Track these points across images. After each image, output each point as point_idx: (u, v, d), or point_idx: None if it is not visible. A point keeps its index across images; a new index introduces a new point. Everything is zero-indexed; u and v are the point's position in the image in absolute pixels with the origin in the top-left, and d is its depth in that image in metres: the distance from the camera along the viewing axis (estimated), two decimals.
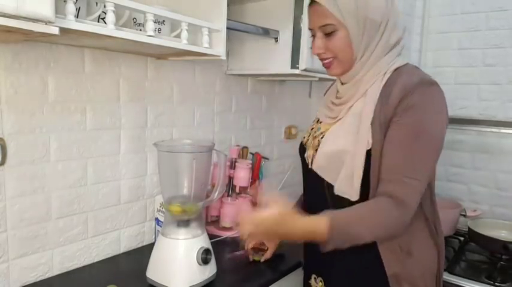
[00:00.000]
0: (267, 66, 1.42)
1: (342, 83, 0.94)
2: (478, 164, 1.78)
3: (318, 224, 0.81)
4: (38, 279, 1.06)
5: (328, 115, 0.95)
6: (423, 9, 1.86)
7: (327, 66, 0.92)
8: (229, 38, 1.14)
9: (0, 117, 0.94)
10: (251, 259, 1.19)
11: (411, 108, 0.80)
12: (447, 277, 1.30)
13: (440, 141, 0.83)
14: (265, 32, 1.34)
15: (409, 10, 1.84)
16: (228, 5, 1.10)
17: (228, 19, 1.11)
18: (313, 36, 0.90)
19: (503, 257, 1.37)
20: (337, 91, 0.96)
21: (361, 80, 0.88)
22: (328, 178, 0.89)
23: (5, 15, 0.60)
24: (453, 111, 1.83)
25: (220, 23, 1.09)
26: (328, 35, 0.86)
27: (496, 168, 1.73)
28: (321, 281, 0.96)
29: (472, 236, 1.48)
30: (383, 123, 0.82)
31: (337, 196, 0.86)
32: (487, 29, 1.72)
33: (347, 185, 0.85)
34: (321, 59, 0.92)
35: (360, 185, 0.83)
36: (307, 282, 1.01)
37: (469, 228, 1.50)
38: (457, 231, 1.62)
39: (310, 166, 0.95)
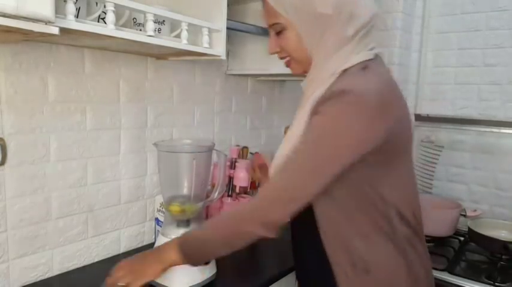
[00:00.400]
0: (267, 66, 1.42)
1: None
2: (478, 164, 1.78)
3: (167, 243, 0.84)
4: (38, 279, 1.06)
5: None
6: (423, 9, 1.86)
7: (286, 65, 0.88)
8: (229, 38, 1.14)
9: (0, 117, 0.94)
10: None
11: (317, 115, 0.74)
12: (447, 277, 1.30)
13: (330, 154, 0.73)
14: (266, 32, 1.32)
15: (409, 10, 1.84)
16: (228, 5, 1.10)
17: (228, 19, 1.11)
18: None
19: (503, 257, 1.36)
20: None
21: (312, 81, 0.81)
22: None
23: (5, 15, 0.60)
24: (453, 111, 1.83)
25: (220, 23, 1.09)
26: (279, 34, 0.82)
27: (496, 168, 1.73)
28: (297, 285, 0.98)
29: (472, 236, 1.48)
30: None
31: None
32: (487, 29, 1.72)
33: None
34: (280, 58, 0.88)
35: None
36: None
37: (469, 228, 1.50)
38: (457, 231, 1.62)
39: None
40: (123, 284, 0.82)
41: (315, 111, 0.74)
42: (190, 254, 0.82)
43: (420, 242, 0.86)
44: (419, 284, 0.83)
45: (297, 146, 0.76)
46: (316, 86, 0.78)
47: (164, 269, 0.86)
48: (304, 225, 0.83)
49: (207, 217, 1.45)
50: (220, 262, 1.12)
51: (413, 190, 0.88)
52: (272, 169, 0.87)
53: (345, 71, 0.77)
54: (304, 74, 0.86)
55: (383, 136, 0.73)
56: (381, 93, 0.73)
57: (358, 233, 0.79)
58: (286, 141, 0.82)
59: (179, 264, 0.83)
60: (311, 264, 0.88)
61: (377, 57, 0.82)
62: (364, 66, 0.77)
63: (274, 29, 0.83)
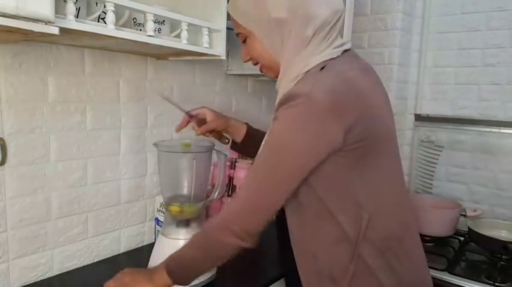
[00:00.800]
0: None
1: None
2: (478, 164, 1.78)
3: (160, 264, 0.82)
4: (38, 279, 1.06)
5: None
6: (423, 9, 1.86)
7: (261, 71, 0.89)
8: (229, 38, 1.14)
9: (0, 117, 0.94)
10: None
11: (271, 123, 0.74)
12: (447, 277, 1.30)
13: (290, 159, 0.71)
14: None
15: (409, 10, 1.84)
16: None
17: (228, 19, 1.11)
18: None
19: (503, 257, 1.37)
20: None
21: (279, 84, 0.80)
22: None
23: (5, 15, 0.60)
24: (453, 111, 1.83)
25: (220, 23, 1.09)
26: (245, 42, 0.84)
27: (496, 168, 1.73)
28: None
29: (472, 236, 1.48)
30: None
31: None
32: (487, 29, 1.72)
33: None
34: (254, 65, 0.89)
35: None
36: None
37: (469, 228, 1.50)
38: (457, 231, 1.62)
39: None
40: None
41: (274, 117, 0.74)
42: (177, 276, 0.80)
43: (405, 255, 0.79)
44: None
45: (260, 155, 0.75)
46: (282, 90, 0.78)
47: None
48: (281, 230, 0.85)
49: (207, 217, 1.45)
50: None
51: (399, 196, 0.81)
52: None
53: (306, 73, 0.75)
54: (276, 78, 0.84)
55: (341, 136, 0.69)
56: (334, 93, 0.69)
57: (324, 240, 0.76)
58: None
59: (170, 285, 0.81)
60: (289, 270, 0.89)
61: (344, 55, 0.78)
62: (323, 66, 0.74)
63: (240, 37, 0.84)
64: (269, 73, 0.86)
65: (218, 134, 1.13)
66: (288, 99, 0.71)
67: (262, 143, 0.78)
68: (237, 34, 0.84)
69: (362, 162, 0.72)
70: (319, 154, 0.70)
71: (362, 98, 0.72)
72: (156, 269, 0.82)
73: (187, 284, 0.81)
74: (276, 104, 0.75)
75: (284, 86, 0.77)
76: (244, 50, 0.86)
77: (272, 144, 0.73)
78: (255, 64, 0.88)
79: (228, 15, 0.85)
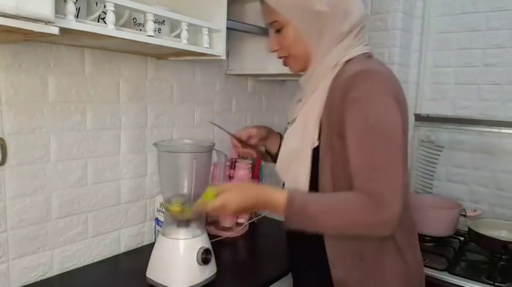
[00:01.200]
0: (267, 66, 1.42)
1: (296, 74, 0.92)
2: (478, 164, 1.77)
3: (278, 197, 0.79)
4: (38, 279, 1.06)
5: (290, 116, 0.94)
6: (423, 9, 1.86)
7: (284, 64, 0.90)
8: (229, 38, 1.14)
9: (0, 117, 0.94)
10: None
11: (355, 103, 0.75)
12: (447, 277, 1.30)
13: (394, 128, 0.76)
14: (265, 32, 1.33)
15: (409, 10, 1.84)
16: (228, 5, 1.10)
17: (228, 19, 1.11)
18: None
19: (503, 257, 1.36)
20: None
21: (314, 73, 0.84)
22: (283, 178, 0.91)
23: (5, 15, 0.60)
24: (453, 111, 1.83)
25: (220, 23, 1.09)
26: (278, 32, 0.85)
27: (496, 168, 1.73)
28: (291, 276, 0.99)
29: (472, 236, 1.48)
30: (332, 120, 0.79)
31: None
32: (487, 29, 1.72)
33: (294, 185, 0.84)
34: (279, 58, 0.91)
35: (307, 184, 0.82)
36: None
37: (469, 228, 1.49)
38: (457, 231, 1.61)
39: None
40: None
41: (351, 101, 0.75)
42: (293, 224, 0.78)
43: (415, 242, 0.87)
44: (415, 281, 0.85)
45: (364, 138, 0.75)
46: (319, 78, 0.82)
47: None
48: None
49: (207, 217, 1.45)
50: (220, 262, 1.12)
51: (409, 183, 0.92)
52: (277, 166, 0.90)
53: (348, 61, 0.81)
54: (302, 71, 0.88)
55: (399, 109, 0.77)
56: (390, 72, 0.81)
57: None
58: (288, 137, 0.87)
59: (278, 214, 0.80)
60: (305, 252, 0.90)
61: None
62: (368, 56, 0.84)
63: (273, 27, 0.85)
64: (295, 65, 0.88)
65: (259, 153, 1.12)
66: (355, 77, 0.76)
67: (351, 135, 0.77)
68: (271, 23, 0.85)
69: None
70: (400, 120, 0.76)
71: (400, 84, 0.84)
72: (274, 205, 0.79)
73: (293, 227, 0.79)
74: (343, 87, 0.77)
75: (322, 73, 0.82)
76: (276, 39, 0.86)
77: (373, 122, 0.74)
78: (281, 57, 0.89)
79: (262, 3, 0.85)
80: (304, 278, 0.92)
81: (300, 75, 0.91)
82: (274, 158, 1.11)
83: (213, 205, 0.80)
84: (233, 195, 0.80)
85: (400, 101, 0.79)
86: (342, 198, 0.76)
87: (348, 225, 0.75)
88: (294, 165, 0.85)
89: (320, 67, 0.83)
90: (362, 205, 0.73)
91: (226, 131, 1.09)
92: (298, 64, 0.87)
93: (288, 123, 0.96)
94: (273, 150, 1.11)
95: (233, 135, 1.08)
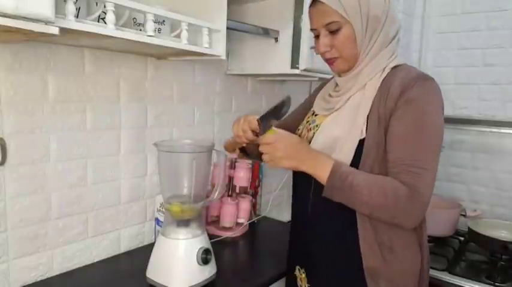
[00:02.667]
0: (267, 66, 1.42)
1: (340, 75, 0.95)
2: (478, 164, 1.78)
3: (325, 160, 0.84)
4: (38, 279, 1.06)
5: (324, 107, 0.96)
6: (423, 9, 1.86)
7: (331, 64, 0.93)
8: (229, 38, 1.14)
9: (0, 117, 0.94)
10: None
11: (412, 102, 0.82)
12: (447, 277, 1.30)
13: (441, 133, 0.84)
14: (265, 32, 1.34)
15: (409, 10, 1.84)
16: (228, 5, 1.10)
17: (228, 19, 1.11)
18: (317, 36, 0.92)
19: (503, 257, 1.37)
20: (336, 84, 0.98)
21: (361, 72, 0.90)
22: None
23: (5, 15, 0.60)
24: (453, 111, 1.83)
25: (220, 23, 1.09)
26: (333, 33, 0.88)
27: (496, 168, 1.73)
28: (304, 272, 0.98)
29: (472, 236, 1.48)
30: (382, 116, 0.84)
31: (320, 191, 0.86)
32: (487, 29, 1.72)
33: None
34: (326, 59, 0.93)
35: None
36: (292, 273, 1.02)
37: (469, 228, 1.50)
38: (457, 231, 1.62)
39: None
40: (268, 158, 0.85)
41: (406, 100, 0.82)
42: (332, 192, 0.83)
43: (425, 224, 0.94)
44: (426, 270, 0.92)
45: (414, 133, 0.81)
46: (366, 78, 0.89)
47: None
48: (337, 209, 0.86)
49: (207, 216, 1.45)
50: (220, 262, 1.12)
51: None
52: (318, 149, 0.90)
53: (395, 67, 0.89)
54: (345, 72, 0.93)
55: None
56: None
57: None
58: (332, 126, 0.90)
59: (321, 181, 0.84)
60: (331, 241, 0.91)
61: None
62: (410, 66, 0.91)
63: (329, 28, 0.88)
64: (343, 65, 0.91)
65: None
66: (417, 80, 0.83)
67: (399, 129, 0.83)
68: (327, 24, 0.87)
69: None
70: (444, 128, 0.85)
71: None
72: (319, 166, 0.84)
73: (328, 196, 0.84)
74: (401, 87, 0.83)
75: (370, 74, 0.89)
76: (328, 39, 0.89)
77: (425, 122, 0.82)
78: (329, 58, 0.92)
79: (316, 3, 0.88)
80: (325, 271, 0.93)
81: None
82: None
83: (267, 138, 0.86)
84: (288, 137, 0.87)
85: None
86: (382, 179, 0.82)
87: (379, 205, 0.81)
88: (335, 153, 0.87)
89: (367, 68, 0.89)
90: (398, 191, 0.79)
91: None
92: (346, 64, 0.91)
93: (314, 114, 0.99)
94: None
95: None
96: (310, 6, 0.90)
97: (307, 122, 1.01)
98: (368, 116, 0.85)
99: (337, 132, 0.88)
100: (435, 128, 0.83)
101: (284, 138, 0.86)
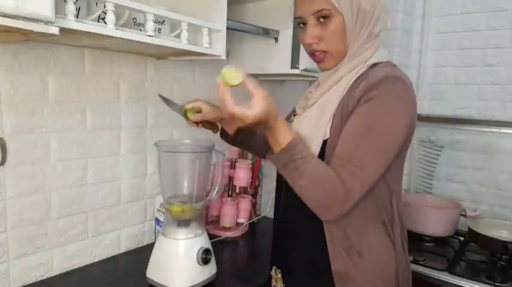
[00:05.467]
0: (267, 66, 1.42)
1: (322, 71, 0.91)
2: (478, 164, 1.77)
3: (284, 134, 0.78)
4: (38, 279, 1.06)
5: (302, 105, 0.93)
6: (423, 9, 1.86)
7: (318, 60, 0.87)
8: (229, 38, 1.14)
9: (0, 117, 0.94)
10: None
11: (371, 101, 0.78)
12: (447, 277, 1.30)
13: (394, 136, 0.79)
14: (265, 32, 1.34)
15: (409, 10, 1.84)
16: (228, 5, 1.10)
17: (228, 19, 1.11)
18: (303, 24, 0.86)
19: (503, 257, 1.36)
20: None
21: (340, 68, 0.86)
22: None
23: (5, 15, 0.60)
24: (453, 111, 1.83)
25: (220, 23, 1.09)
26: (323, 21, 0.82)
27: (496, 168, 1.73)
28: (280, 272, 0.97)
29: (472, 236, 1.48)
30: (344, 115, 0.81)
31: (291, 190, 0.82)
32: (487, 29, 1.72)
33: None
34: (312, 52, 0.87)
35: None
36: (269, 273, 1.02)
37: (469, 228, 1.49)
38: (457, 231, 1.61)
39: None
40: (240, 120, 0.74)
41: (367, 98, 0.78)
42: (279, 164, 0.80)
43: (406, 242, 0.91)
44: (404, 280, 0.88)
45: (362, 130, 0.78)
46: (344, 73, 0.85)
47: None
48: (306, 209, 0.82)
49: (207, 216, 1.45)
50: (220, 262, 1.12)
51: (402, 187, 0.94)
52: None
53: (375, 64, 0.84)
54: (333, 67, 0.87)
55: (410, 125, 0.81)
56: (412, 86, 0.83)
57: (357, 218, 0.82)
58: (299, 125, 0.87)
59: (274, 149, 0.80)
60: (302, 243, 0.90)
61: None
62: (393, 64, 0.87)
63: (318, 16, 0.82)
64: (329, 60, 0.86)
65: (210, 124, 1.10)
66: (383, 80, 0.78)
67: (350, 124, 0.79)
68: (317, 11, 0.82)
69: (398, 154, 0.82)
70: (405, 134, 0.80)
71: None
72: (277, 135, 0.78)
73: (275, 161, 0.81)
74: (366, 86, 0.79)
75: (348, 69, 0.85)
76: (316, 29, 0.83)
77: (378, 120, 0.78)
78: (316, 51, 0.86)
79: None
80: (298, 272, 0.92)
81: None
82: (228, 138, 1.10)
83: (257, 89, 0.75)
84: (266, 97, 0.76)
85: (414, 114, 0.82)
86: (327, 173, 0.77)
87: (313, 195, 0.78)
88: None
89: (352, 62, 0.85)
90: (336, 190, 0.76)
91: (172, 105, 1.03)
92: (333, 61, 0.86)
93: (295, 114, 0.96)
94: (230, 130, 1.08)
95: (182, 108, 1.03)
96: None
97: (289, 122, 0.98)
98: (334, 115, 0.82)
99: (303, 132, 0.85)
100: (386, 131, 0.78)
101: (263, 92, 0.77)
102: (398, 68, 0.86)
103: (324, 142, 0.82)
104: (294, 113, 0.99)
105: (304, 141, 0.81)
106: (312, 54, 0.87)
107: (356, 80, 0.83)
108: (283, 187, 0.92)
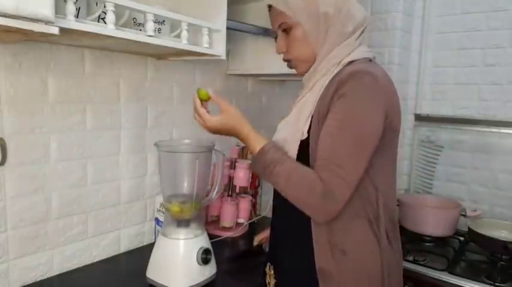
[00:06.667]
0: (267, 66, 1.42)
1: (300, 75, 0.95)
2: (478, 164, 1.78)
3: (257, 139, 0.87)
4: (38, 279, 1.06)
5: (291, 108, 0.96)
6: (423, 9, 1.86)
7: (291, 67, 0.94)
8: (229, 38, 1.14)
9: (0, 117, 0.94)
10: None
11: (342, 98, 0.78)
12: (447, 277, 1.30)
13: (369, 131, 0.79)
14: (265, 32, 1.34)
15: (409, 10, 1.84)
16: (228, 5, 1.10)
17: (228, 19, 1.11)
18: (276, 38, 0.92)
19: (503, 257, 1.36)
20: None
21: (315, 71, 0.88)
22: None
23: (5, 15, 0.60)
24: (453, 111, 1.83)
25: (220, 23, 1.09)
26: (286, 33, 0.88)
27: (496, 168, 1.73)
28: (272, 268, 0.98)
29: (472, 236, 1.48)
30: (321, 114, 0.82)
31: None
32: (487, 29, 1.72)
33: None
34: (284, 61, 0.94)
35: None
36: (264, 270, 1.02)
37: (469, 228, 1.49)
38: (457, 231, 1.61)
39: None
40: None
41: (339, 95, 0.79)
42: (257, 170, 0.87)
43: (396, 239, 0.90)
44: (391, 278, 0.87)
45: (337, 128, 0.79)
46: (320, 75, 0.87)
47: None
48: (292, 208, 0.83)
49: (207, 216, 1.45)
50: (220, 262, 1.12)
51: (395, 185, 0.93)
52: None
53: (350, 62, 0.85)
54: (303, 73, 0.92)
55: (384, 118, 0.80)
56: (388, 80, 0.84)
57: (342, 216, 0.82)
58: (280, 128, 0.91)
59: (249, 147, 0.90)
60: (290, 240, 0.92)
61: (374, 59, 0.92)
62: (369, 60, 0.88)
63: (281, 28, 0.89)
64: (300, 66, 0.92)
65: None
66: (356, 75, 0.79)
67: (327, 123, 0.81)
68: (279, 25, 0.89)
69: (382, 149, 0.82)
70: (380, 127, 0.80)
71: (396, 94, 0.87)
72: (250, 143, 0.89)
73: (254, 170, 0.90)
74: (337, 83, 0.80)
75: (323, 71, 0.86)
76: (283, 41, 0.90)
77: (351, 118, 0.78)
78: (286, 59, 0.93)
79: (269, 7, 0.90)
80: (286, 267, 0.93)
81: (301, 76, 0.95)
82: None
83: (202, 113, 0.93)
84: (225, 118, 0.92)
85: (389, 107, 0.82)
86: (303, 172, 0.80)
87: (292, 195, 0.81)
88: None
89: (322, 64, 0.87)
90: (314, 186, 0.77)
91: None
92: (304, 65, 0.90)
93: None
94: None
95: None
96: (268, 10, 0.91)
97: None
98: (312, 115, 0.84)
99: (282, 134, 0.89)
100: (362, 124, 0.78)
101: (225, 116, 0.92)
102: (374, 63, 0.88)
103: (302, 143, 0.84)
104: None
105: (278, 146, 0.86)
106: (286, 63, 0.94)
107: (332, 79, 0.84)
108: (273, 191, 0.94)
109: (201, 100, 0.94)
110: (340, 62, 0.85)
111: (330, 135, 0.79)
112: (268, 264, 0.99)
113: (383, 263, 0.85)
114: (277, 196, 0.90)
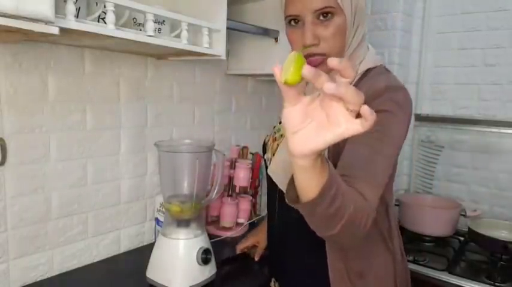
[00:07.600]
0: (267, 66, 1.42)
1: None
2: (478, 164, 1.78)
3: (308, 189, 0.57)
4: (38, 279, 1.06)
5: None
6: (423, 9, 1.86)
7: (314, 64, 0.75)
8: (229, 38, 1.14)
9: (0, 117, 0.94)
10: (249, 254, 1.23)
11: (382, 112, 0.69)
12: (447, 277, 1.30)
13: (400, 146, 0.75)
14: (265, 32, 1.34)
15: (409, 10, 1.84)
16: (228, 5, 1.10)
17: (228, 19, 1.11)
18: (295, 22, 0.78)
19: (503, 257, 1.37)
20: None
21: (332, 74, 0.73)
22: (280, 185, 0.84)
23: (5, 15, 0.60)
24: (453, 111, 1.83)
25: (220, 23, 1.09)
26: (324, 20, 0.74)
27: (496, 168, 1.73)
28: (278, 285, 0.96)
29: (472, 236, 1.48)
30: None
31: (286, 204, 0.62)
32: (487, 29, 1.72)
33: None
34: (309, 55, 0.76)
35: None
36: (268, 285, 1.01)
37: (469, 228, 1.50)
38: (457, 231, 1.62)
39: (266, 170, 0.91)
40: None
41: (377, 108, 0.67)
42: (309, 218, 0.63)
43: (402, 244, 0.89)
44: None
45: (377, 140, 0.71)
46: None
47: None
48: (306, 227, 0.69)
49: (207, 216, 1.45)
50: (220, 262, 1.12)
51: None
52: (270, 170, 0.87)
53: (368, 70, 0.80)
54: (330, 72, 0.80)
55: None
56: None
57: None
58: None
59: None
60: (302, 262, 0.87)
61: None
62: (385, 68, 0.83)
63: (322, 12, 0.74)
64: (325, 65, 0.77)
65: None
66: (389, 89, 0.74)
67: (361, 136, 0.57)
68: (321, 8, 0.74)
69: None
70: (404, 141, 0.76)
71: None
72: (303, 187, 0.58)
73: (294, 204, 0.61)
74: (373, 92, 0.72)
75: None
76: (316, 30, 0.75)
77: (391, 132, 0.73)
78: (316, 55, 0.76)
79: None
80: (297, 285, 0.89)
81: None
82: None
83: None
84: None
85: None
86: (353, 199, 0.63)
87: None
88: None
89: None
90: (362, 208, 0.64)
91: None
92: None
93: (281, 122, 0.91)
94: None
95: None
96: None
97: (274, 127, 0.95)
98: None
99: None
100: (397, 139, 0.74)
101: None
102: (391, 72, 0.83)
103: None
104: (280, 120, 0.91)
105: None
106: (309, 56, 0.76)
107: (356, 83, 0.77)
108: (277, 196, 0.88)
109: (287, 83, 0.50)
110: (357, 66, 0.79)
111: (370, 146, 0.70)
112: (273, 280, 0.98)
113: (396, 278, 0.84)
114: (285, 215, 0.83)
